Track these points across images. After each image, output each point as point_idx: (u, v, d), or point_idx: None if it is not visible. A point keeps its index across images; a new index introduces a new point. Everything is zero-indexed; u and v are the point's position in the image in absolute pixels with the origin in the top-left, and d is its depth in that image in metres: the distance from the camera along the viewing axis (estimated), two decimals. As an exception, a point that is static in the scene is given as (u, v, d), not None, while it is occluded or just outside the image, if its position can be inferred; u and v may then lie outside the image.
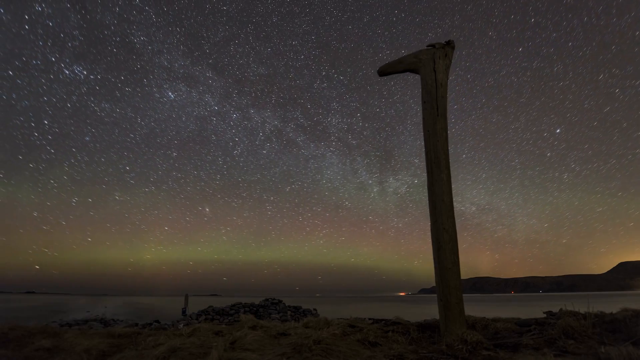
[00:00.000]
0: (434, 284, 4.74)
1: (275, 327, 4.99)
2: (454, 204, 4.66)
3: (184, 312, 18.25)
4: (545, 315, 5.41)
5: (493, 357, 3.43)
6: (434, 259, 4.52)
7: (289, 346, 3.87)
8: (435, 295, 4.50)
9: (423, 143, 4.86)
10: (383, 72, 5.41)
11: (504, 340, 4.07)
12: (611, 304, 6.64)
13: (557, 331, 3.97)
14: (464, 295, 4.43)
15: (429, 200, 4.68)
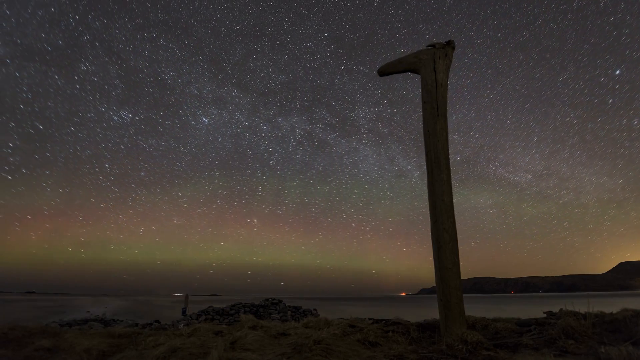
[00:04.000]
0: (434, 284, 4.74)
1: (275, 327, 5.00)
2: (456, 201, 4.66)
3: (184, 312, 18.24)
4: (545, 315, 5.41)
5: (493, 357, 3.43)
6: (434, 259, 4.52)
7: (289, 346, 3.87)
8: (435, 295, 4.51)
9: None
10: (383, 72, 5.42)
11: (504, 340, 4.07)
12: (611, 304, 6.64)
13: (557, 331, 3.97)
14: (464, 295, 4.43)
15: (429, 200, 4.68)
